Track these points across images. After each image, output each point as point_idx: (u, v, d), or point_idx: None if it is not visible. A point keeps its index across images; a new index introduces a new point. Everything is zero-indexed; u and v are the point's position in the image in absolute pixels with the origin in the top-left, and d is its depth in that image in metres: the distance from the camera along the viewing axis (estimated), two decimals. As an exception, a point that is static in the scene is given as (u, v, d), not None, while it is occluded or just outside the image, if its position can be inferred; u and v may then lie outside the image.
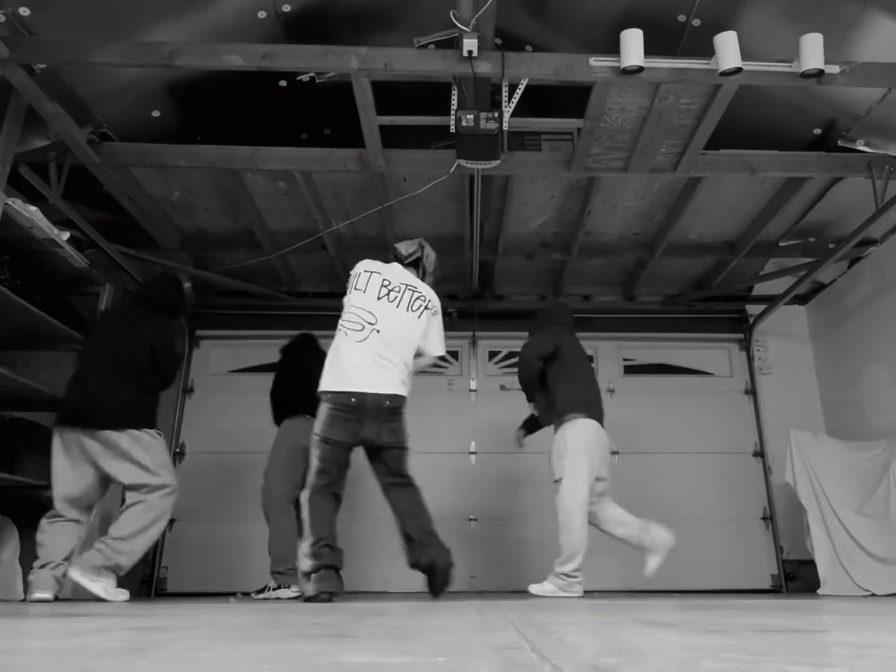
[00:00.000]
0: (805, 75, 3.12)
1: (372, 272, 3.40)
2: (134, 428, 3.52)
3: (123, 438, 3.46)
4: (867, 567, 4.19)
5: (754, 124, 4.05)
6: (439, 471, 5.47)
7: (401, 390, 3.20)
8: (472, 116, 3.21)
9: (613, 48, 3.14)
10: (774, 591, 5.26)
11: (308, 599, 2.95)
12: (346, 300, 3.39)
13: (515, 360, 5.91)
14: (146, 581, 5.13)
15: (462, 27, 3.02)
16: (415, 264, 3.50)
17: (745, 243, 5.11)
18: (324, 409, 3.13)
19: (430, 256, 3.54)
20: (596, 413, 3.96)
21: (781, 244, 5.25)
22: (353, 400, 3.09)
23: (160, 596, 5.08)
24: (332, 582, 3.00)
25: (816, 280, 5.58)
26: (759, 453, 5.67)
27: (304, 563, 3.00)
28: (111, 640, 1.32)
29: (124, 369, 3.57)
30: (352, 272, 3.50)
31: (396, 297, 3.32)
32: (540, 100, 3.70)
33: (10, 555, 3.74)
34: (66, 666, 0.99)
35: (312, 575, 2.96)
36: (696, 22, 3.50)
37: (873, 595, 4.05)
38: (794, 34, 3.14)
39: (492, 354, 6.04)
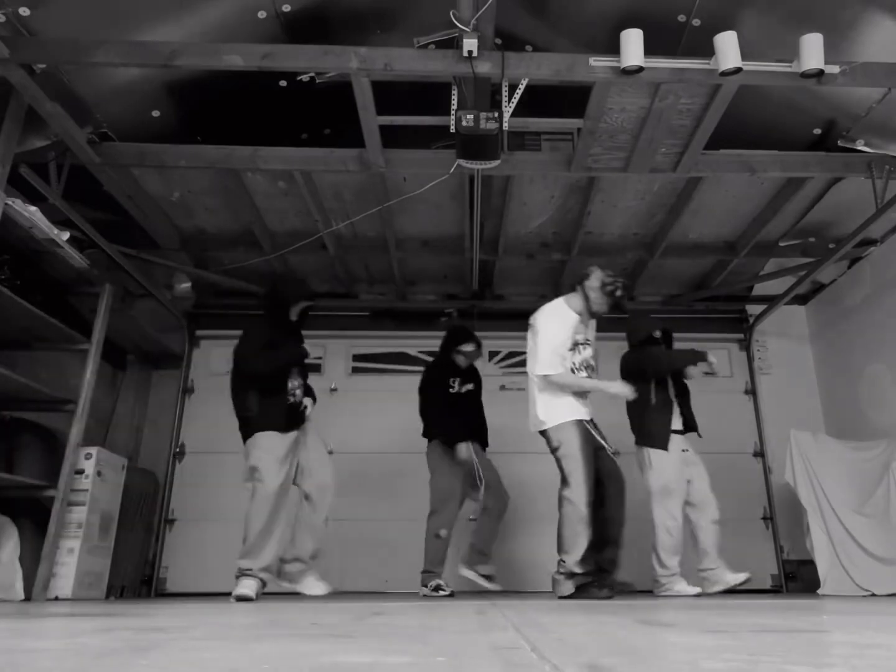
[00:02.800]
0: (805, 75, 3.12)
1: None
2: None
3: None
4: (867, 567, 4.19)
5: (754, 124, 4.05)
6: (439, 471, 5.47)
7: (535, 423, 3.62)
8: (472, 116, 3.21)
9: (613, 48, 3.14)
10: (774, 591, 5.26)
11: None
12: None
13: (515, 360, 5.94)
14: (146, 581, 5.13)
15: (462, 27, 3.02)
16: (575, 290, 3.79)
17: (745, 243, 5.11)
18: None
19: (590, 277, 3.74)
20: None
21: (781, 244, 5.25)
22: None
23: (160, 596, 5.08)
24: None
25: (816, 280, 5.57)
26: (759, 453, 5.67)
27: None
28: (111, 640, 1.32)
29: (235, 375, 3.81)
30: None
31: None
32: (540, 100, 3.70)
33: (9, 555, 3.74)
34: (66, 666, 0.99)
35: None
36: (696, 22, 3.50)
37: (873, 595, 4.05)
38: (794, 34, 3.14)
39: (492, 354, 6.02)
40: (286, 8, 3.52)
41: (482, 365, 5.95)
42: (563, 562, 3.42)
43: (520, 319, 5.87)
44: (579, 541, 3.39)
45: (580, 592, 3.37)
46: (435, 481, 4.35)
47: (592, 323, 3.86)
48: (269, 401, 3.66)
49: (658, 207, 4.79)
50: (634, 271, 5.62)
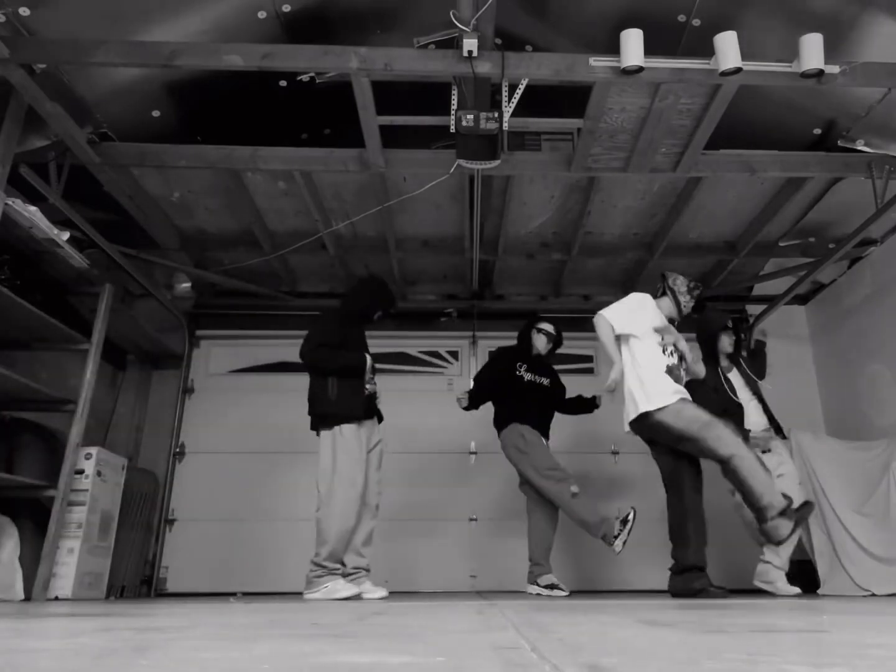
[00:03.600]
0: (805, 75, 3.12)
1: None
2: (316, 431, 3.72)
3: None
4: (867, 567, 4.19)
5: (754, 124, 4.05)
6: (439, 471, 5.48)
7: (631, 412, 3.59)
8: (472, 116, 3.21)
9: (613, 48, 3.14)
10: (774, 591, 5.25)
11: None
12: None
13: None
14: (146, 581, 5.13)
15: (462, 27, 3.02)
16: (665, 294, 3.90)
17: (745, 243, 5.11)
18: None
19: (676, 282, 3.88)
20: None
21: (781, 244, 5.25)
22: None
23: (160, 596, 5.08)
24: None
25: (816, 280, 5.57)
26: (759, 453, 5.66)
27: None
28: (111, 640, 1.32)
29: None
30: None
31: None
32: (540, 100, 3.70)
33: (9, 555, 3.74)
34: (66, 666, 0.99)
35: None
36: (696, 22, 3.50)
37: (873, 595, 4.05)
38: (794, 34, 3.14)
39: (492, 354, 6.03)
40: (286, 8, 3.53)
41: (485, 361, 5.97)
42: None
43: (520, 319, 5.89)
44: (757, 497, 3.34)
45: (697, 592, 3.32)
46: (529, 462, 4.13)
47: (675, 332, 3.82)
48: (348, 389, 3.66)
49: (658, 207, 4.79)
50: (634, 271, 5.62)
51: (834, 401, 5.58)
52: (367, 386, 3.75)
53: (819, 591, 4.26)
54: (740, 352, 4.48)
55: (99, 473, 4.15)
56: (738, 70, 3.04)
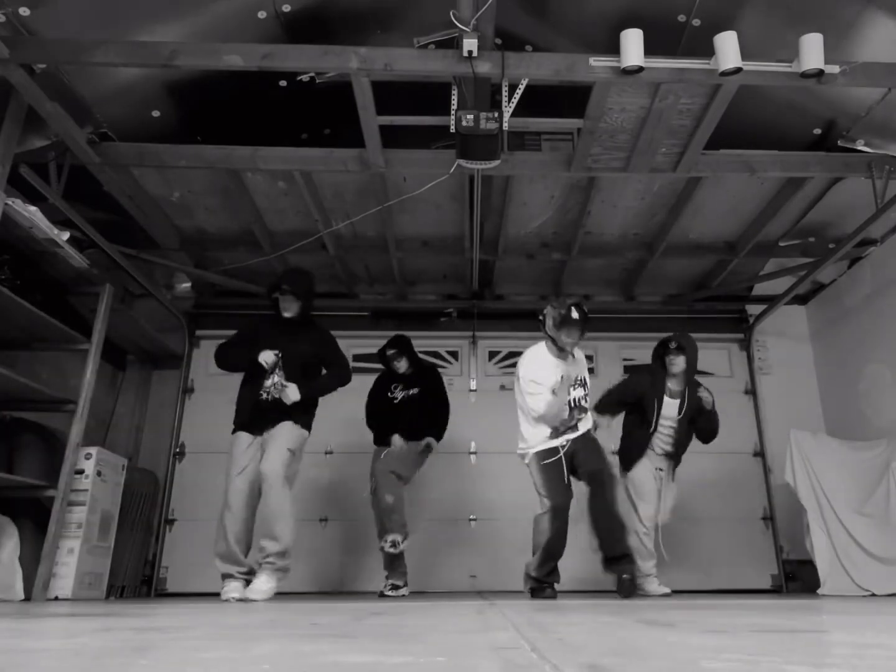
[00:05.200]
0: (805, 75, 3.12)
1: None
2: None
3: None
4: (867, 567, 4.19)
5: (754, 124, 4.05)
6: (439, 471, 5.47)
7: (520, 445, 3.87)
8: (472, 116, 3.21)
9: (613, 48, 3.14)
10: (774, 591, 5.26)
11: None
12: None
13: (515, 360, 5.94)
14: (146, 581, 5.13)
15: (462, 27, 3.02)
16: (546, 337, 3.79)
17: (745, 243, 5.11)
18: None
19: (547, 322, 3.72)
20: None
21: (781, 244, 5.25)
22: None
23: (160, 596, 5.08)
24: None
25: (816, 280, 5.57)
26: (759, 453, 5.66)
27: None
28: (111, 640, 1.32)
29: None
30: None
31: None
32: (540, 100, 3.70)
33: (10, 555, 3.74)
34: (66, 666, 0.99)
35: None
36: (696, 22, 3.50)
37: (873, 595, 4.05)
38: (794, 34, 3.14)
39: (492, 354, 6.03)
40: (286, 8, 3.53)
41: (483, 365, 5.97)
42: (528, 564, 3.73)
43: (520, 319, 5.90)
44: (538, 550, 3.64)
45: (534, 593, 3.64)
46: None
47: (580, 358, 3.87)
48: (239, 395, 3.77)
49: (658, 207, 4.79)
50: (634, 271, 5.62)
51: (834, 401, 5.58)
52: (266, 389, 3.61)
53: (819, 591, 4.26)
54: (688, 379, 4.30)
55: (99, 473, 4.16)
56: (738, 70, 3.04)
